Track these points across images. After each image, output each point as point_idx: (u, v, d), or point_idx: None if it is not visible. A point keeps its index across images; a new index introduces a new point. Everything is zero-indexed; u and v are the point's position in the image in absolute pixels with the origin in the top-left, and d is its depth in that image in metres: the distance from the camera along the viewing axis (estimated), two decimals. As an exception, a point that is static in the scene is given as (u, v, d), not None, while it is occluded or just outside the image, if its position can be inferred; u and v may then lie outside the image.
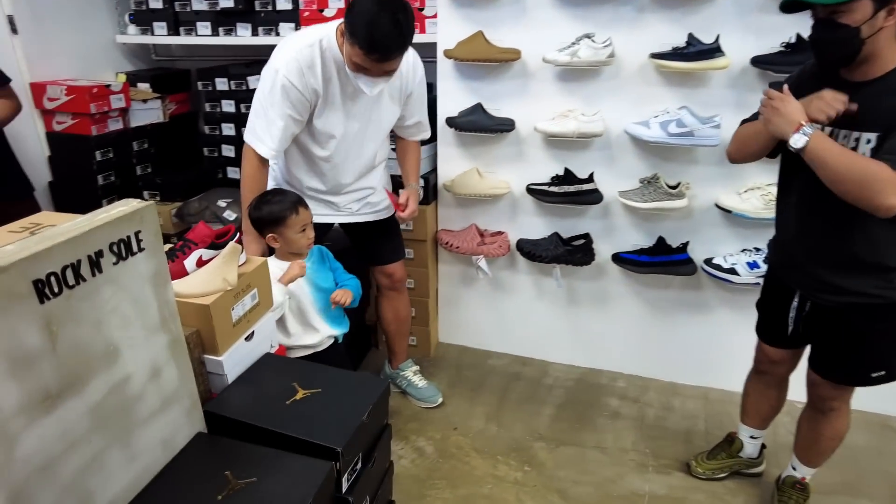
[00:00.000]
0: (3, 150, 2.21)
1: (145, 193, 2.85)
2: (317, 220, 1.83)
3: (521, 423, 2.27)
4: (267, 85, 1.70)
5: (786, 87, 1.36)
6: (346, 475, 1.25)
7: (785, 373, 1.81)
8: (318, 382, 1.39)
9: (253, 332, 1.46)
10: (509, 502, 1.89)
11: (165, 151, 2.99)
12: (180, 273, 1.36)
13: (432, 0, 2.34)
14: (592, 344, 2.59)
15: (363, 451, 1.33)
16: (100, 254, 0.97)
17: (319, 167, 1.89)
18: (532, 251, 2.37)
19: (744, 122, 1.63)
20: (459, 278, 2.65)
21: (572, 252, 2.34)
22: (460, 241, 2.44)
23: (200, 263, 1.38)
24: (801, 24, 1.86)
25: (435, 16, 2.33)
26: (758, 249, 2.21)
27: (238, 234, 1.45)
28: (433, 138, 2.46)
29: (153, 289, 1.10)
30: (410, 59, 1.84)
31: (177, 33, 2.85)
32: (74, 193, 2.73)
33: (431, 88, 2.41)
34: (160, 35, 2.87)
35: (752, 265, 2.18)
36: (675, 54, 2.02)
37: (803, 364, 1.71)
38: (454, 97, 2.37)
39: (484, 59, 2.21)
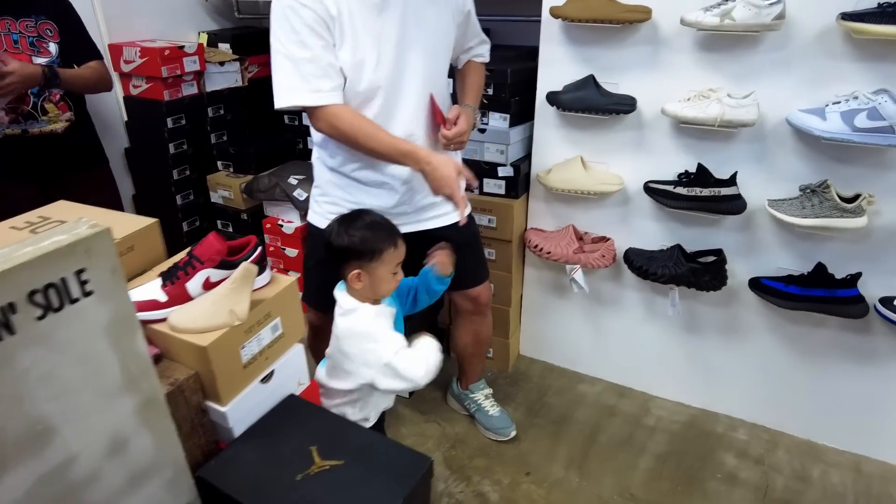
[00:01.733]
0: (83, 119, 2.06)
1: (219, 164, 2.67)
2: None
3: (612, 474, 1.86)
4: (278, 27, 1.33)
5: None
6: None
7: None
8: (341, 450, 1.09)
9: (272, 372, 1.18)
10: (585, 588, 1.52)
11: (243, 119, 2.79)
12: (182, 298, 1.09)
13: (540, -56, 1.87)
14: (709, 380, 2.10)
15: (389, 556, 1.01)
16: (10, 308, 0.69)
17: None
18: (645, 266, 1.90)
19: None
20: (549, 285, 2.24)
21: (698, 272, 1.84)
22: (553, 246, 2.02)
23: (208, 286, 1.10)
24: None
25: (542, -36, 1.86)
26: (967, 293, 1.60)
27: (258, 251, 1.15)
28: (529, 117, 2.03)
29: (111, 341, 0.82)
30: None
31: (258, -12, 2.60)
32: (148, 161, 2.60)
33: (533, 54, 1.97)
34: (241, -10, 2.63)
35: (957, 314, 1.58)
36: (882, 14, 1.43)
37: None
38: (560, 68, 1.90)
39: (603, 18, 1.73)
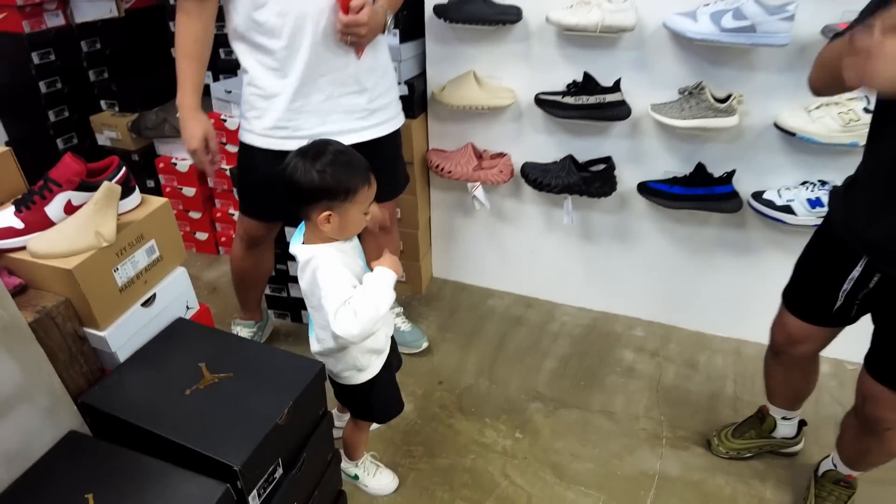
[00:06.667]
0: None
1: (102, 103, 2.49)
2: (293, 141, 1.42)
3: (518, 377, 1.97)
4: None
5: (880, 21, 0.83)
6: (255, 492, 0.97)
7: (809, 352, 1.44)
8: (231, 363, 1.09)
9: (154, 296, 1.15)
10: (494, 478, 1.63)
11: (125, 53, 2.59)
12: (42, 224, 1.03)
13: None
14: (608, 284, 2.23)
15: (284, 455, 1.05)
16: None
17: (269, 48, 1.43)
18: (539, 178, 1.96)
19: (834, 37, 1.16)
20: (455, 206, 2.27)
21: (589, 180, 1.92)
22: (454, 165, 2.04)
23: (70, 210, 1.05)
24: None
25: None
26: (823, 183, 1.75)
27: (121, 171, 1.10)
28: (420, 33, 1.99)
29: (-53, 262, 0.78)
30: None
31: None
32: (15, 103, 2.39)
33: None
34: None
35: (815, 203, 1.73)
36: (741, -86, 1.48)
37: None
38: (447, -20, 1.87)
39: (483, -74, 1.70)
